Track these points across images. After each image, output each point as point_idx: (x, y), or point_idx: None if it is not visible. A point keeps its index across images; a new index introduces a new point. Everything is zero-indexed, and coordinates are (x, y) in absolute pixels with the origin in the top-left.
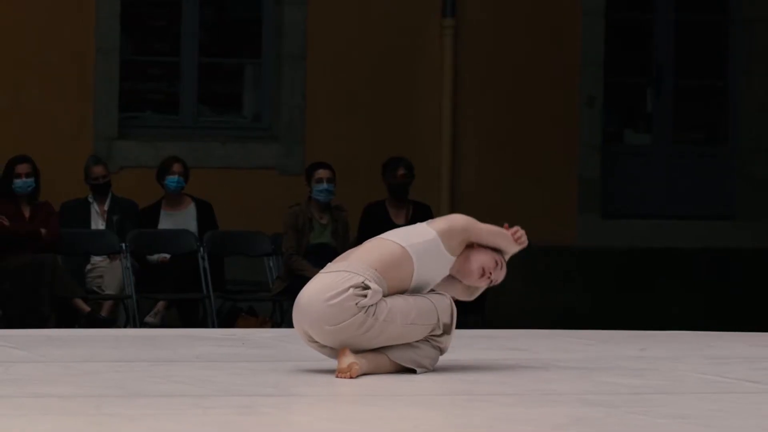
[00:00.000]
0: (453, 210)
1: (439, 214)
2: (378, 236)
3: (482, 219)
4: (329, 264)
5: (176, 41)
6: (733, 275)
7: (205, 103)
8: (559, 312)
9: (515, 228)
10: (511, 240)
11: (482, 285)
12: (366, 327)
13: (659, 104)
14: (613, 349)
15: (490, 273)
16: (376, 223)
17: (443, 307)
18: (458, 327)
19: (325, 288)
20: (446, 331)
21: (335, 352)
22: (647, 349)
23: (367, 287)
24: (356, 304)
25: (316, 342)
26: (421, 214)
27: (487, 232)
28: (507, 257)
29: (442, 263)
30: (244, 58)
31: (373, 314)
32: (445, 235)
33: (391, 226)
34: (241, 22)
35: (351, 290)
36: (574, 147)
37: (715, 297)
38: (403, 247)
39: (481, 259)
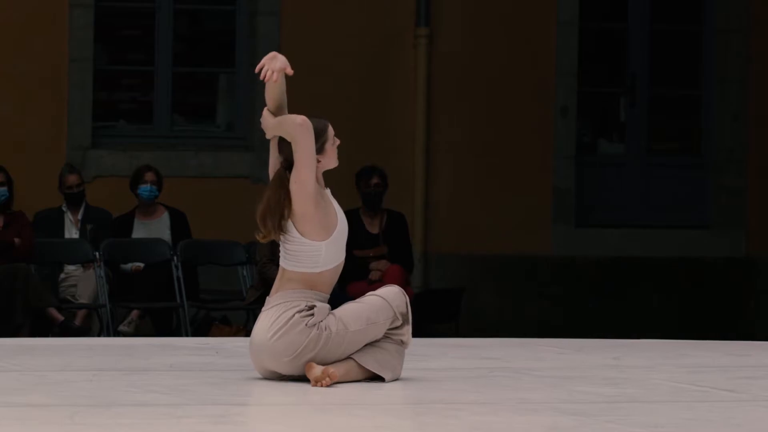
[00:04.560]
0: (427, 220)
1: (413, 223)
2: (284, 266)
3: (456, 228)
4: (268, 298)
5: (150, 51)
6: (707, 284)
7: (179, 113)
8: (533, 321)
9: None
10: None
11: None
12: (323, 341)
13: (633, 114)
14: (588, 358)
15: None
16: (350, 232)
17: (393, 297)
18: (432, 336)
19: (272, 324)
20: (405, 320)
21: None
22: (622, 358)
23: (311, 307)
24: (306, 324)
25: (276, 372)
26: (395, 222)
27: (304, 154)
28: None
29: (340, 230)
30: (217, 68)
31: (326, 328)
32: (319, 231)
33: (366, 234)
34: (214, 32)
35: (296, 316)
36: (549, 157)
37: (690, 306)
38: (317, 273)
39: (329, 158)
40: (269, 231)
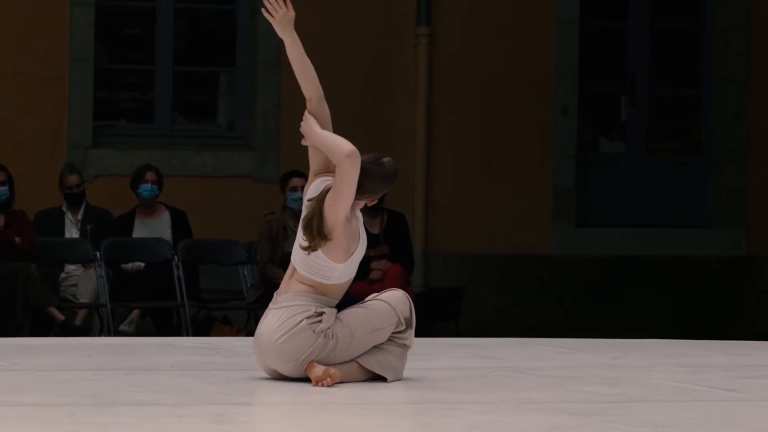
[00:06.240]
0: (427, 219)
1: (414, 222)
2: (297, 269)
3: (456, 228)
4: (276, 296)
5: (151, 50)
6: (707, 283)
7: (179, 112)
8: (533, 320)
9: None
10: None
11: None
12: (329, 348)
13: (634, 113)
14: (588, 358)
15: None
16: None
17: (397, 301)
18: (433, 335)
19: (279, 327)
20: (408, 325)
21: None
22: (622, 358)
23: (320, 313)
24: (313, 331)
25: (278, 372)
26: (395, 222)
27: (345, 186)
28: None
29: (358, 254)
30: (218, 67)
31: (333, 335)
32: (339, 254)
33: (366, 234)
34: (215, 31)
35: (304, 321)
36: (549, 156)
37: (690, 305)
38: (328, 284)
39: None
40: (313, 238)
